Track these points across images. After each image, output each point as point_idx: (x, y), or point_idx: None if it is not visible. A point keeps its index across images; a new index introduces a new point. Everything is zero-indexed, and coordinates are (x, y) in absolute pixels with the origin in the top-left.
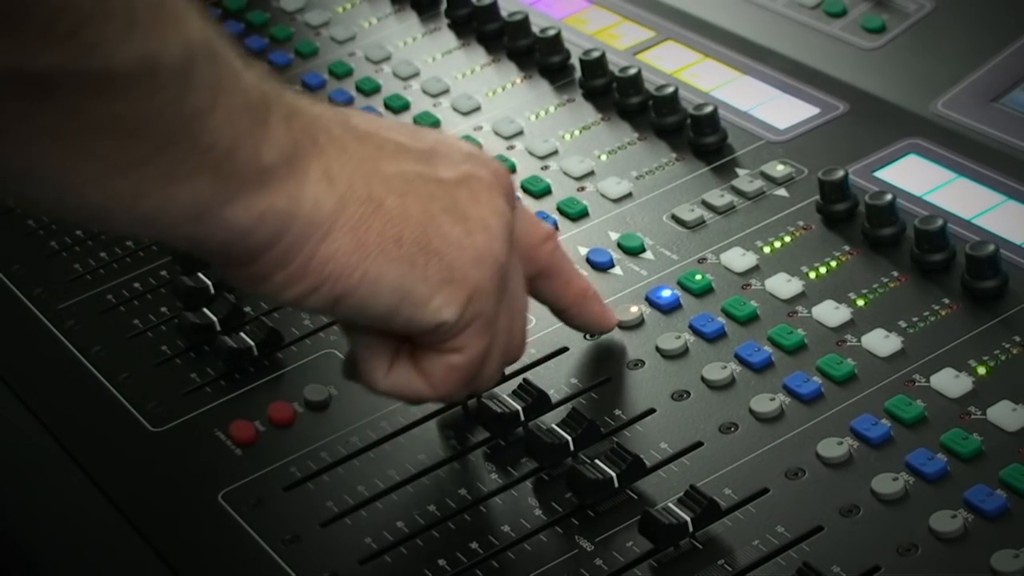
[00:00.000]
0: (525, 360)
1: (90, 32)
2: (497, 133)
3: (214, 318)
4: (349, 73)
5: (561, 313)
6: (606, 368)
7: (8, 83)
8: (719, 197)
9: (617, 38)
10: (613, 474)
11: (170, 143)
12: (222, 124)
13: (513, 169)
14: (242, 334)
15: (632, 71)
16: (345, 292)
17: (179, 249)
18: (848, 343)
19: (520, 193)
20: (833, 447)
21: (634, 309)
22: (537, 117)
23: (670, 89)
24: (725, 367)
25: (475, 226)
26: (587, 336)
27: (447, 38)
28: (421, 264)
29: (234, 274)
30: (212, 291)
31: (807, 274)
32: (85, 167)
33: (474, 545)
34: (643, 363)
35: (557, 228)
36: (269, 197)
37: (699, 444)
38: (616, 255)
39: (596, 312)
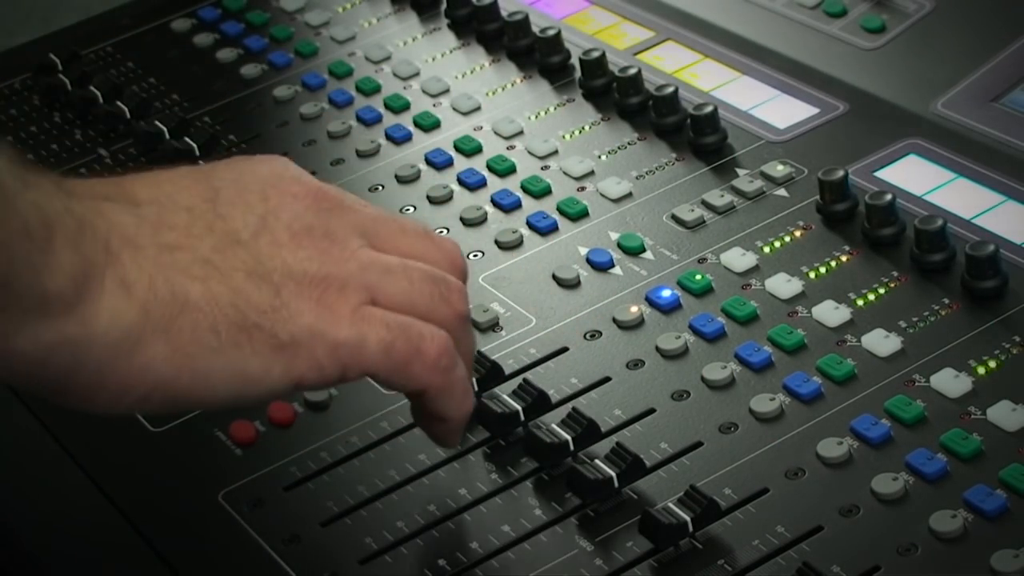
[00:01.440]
0: (525, 360)
1: None
2: (497, 133)
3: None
4: (349, 73)
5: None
6: (606, 368)
7: None
8: (719, 197)
9: (617, 38)
10: (613, 474)
11: None
12: (2, 251)
13: (513, 169)
14: None
15: (632, 71)
16: (178, 394)
17: None
18: (848, 343)
19: (520, 193)
20: (833, 447)
21: (634, 309)
22: (537, 117)
23: (670, 89)
24: (725, 367)
25: (281, 280)
26: (641, 364)
27: (447, 38)
28: (246, 343)
29: (58, 401)
30: None
31: (807, 274)
32: None
33: (474, 545)
34: (643, 363)
35: (557, 227)
36: (57, 324)
37: (699, 444)
38: (616, 255)
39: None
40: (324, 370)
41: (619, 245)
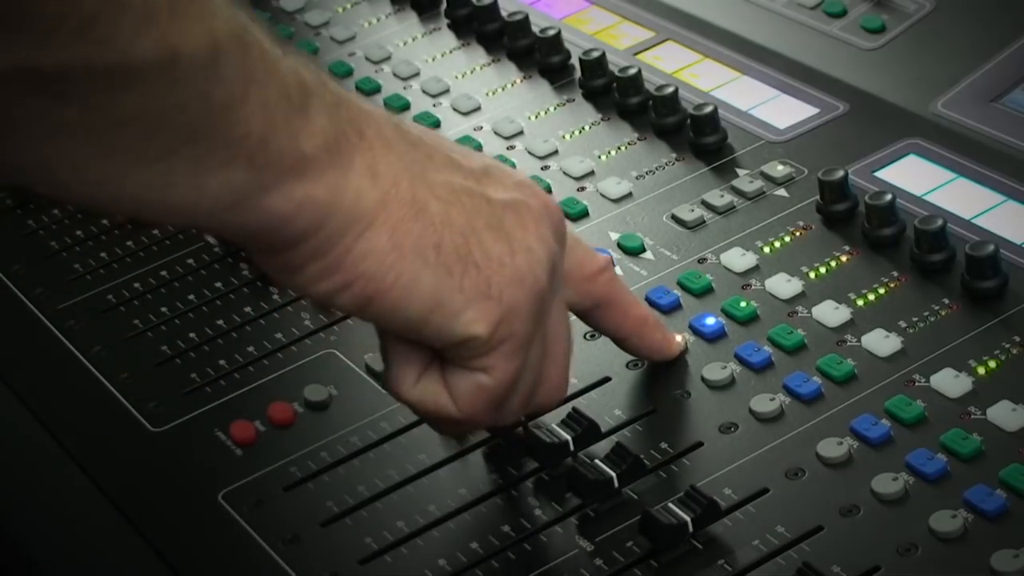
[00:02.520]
0: None
1: (102, 26)
2: (497, 133)
3: None
4: (349, 73)
5: (622, 343)
6: (606, 368)
7: (21, 81)
8: (719, 197)
9: (617, 38)
10: (613, 474)
11: (198, 135)
12: (255, 114)
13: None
14: None
15: (632, 71)
16: (377, 293)
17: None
18: (848, 343)
19: None
20: (833, 447)
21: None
22: (537, 117)
23: (670, 89)
24: (725, 367)
25: (519, 247)
26: (641, 364)
27: (447, 38)
28: (458, 274)
29: (268, 262)
30: None
31: (807, 274)
32: (109, 161)
33: (474, 545)
34: (643, 363)
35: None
36: (308, 186)
37: (699, 444)
38: (616, 255)
39: (658, 340)
40: (489, 341)
41: (619, 245)
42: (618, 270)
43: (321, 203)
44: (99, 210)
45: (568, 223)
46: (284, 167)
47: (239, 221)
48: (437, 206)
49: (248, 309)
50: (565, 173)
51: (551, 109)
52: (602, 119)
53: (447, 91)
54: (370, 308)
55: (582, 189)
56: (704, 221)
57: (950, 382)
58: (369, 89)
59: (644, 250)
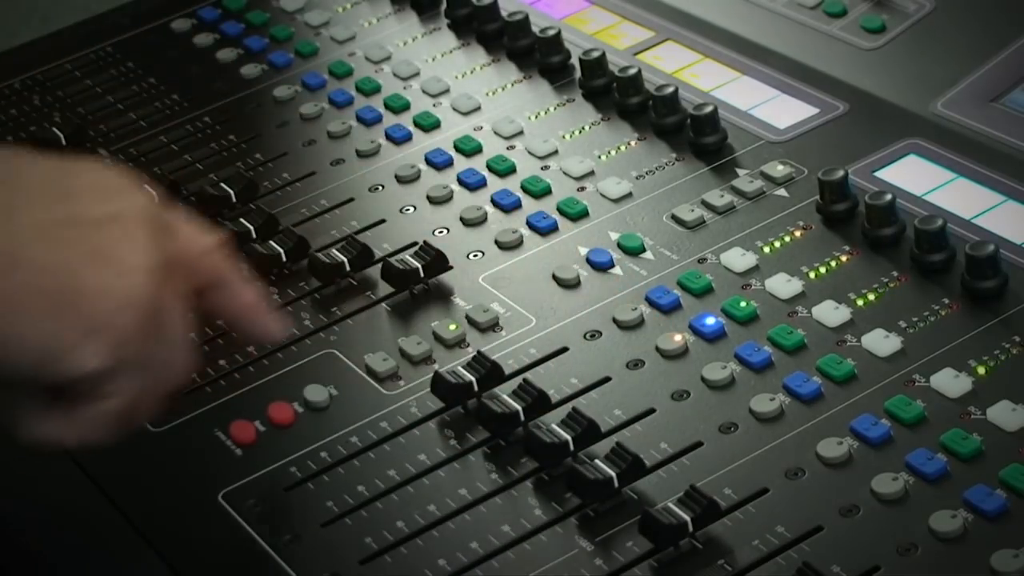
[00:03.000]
0: (525, 360)
1: None
2: (497, 133)
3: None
4: (349, 73)
5: (232, 326)
6: (606, 368)
7: None
8: (719, 197)
9: (617, 38)
10: (613, 474)
11: None
12: None
13: (513, 169)
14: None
15: (632, 71)
16: None
17: None
18: (848, 343)
19: (520, 193)
20: (833, 447)
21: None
22: (537, 117)
23: (670, 89)
24: (725, 367)
25: (120, 269)
26: (641, 364)
27: (447, 38)
28: (62, 315)
29: None
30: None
31: (807, 274)
32: None
33: (474, 545)
34: (643, 363)
35: (557, 227)
36: None
37: (699, 444)
38: (616, 255)
39: (262, 325)
40: (109, 369)
41: (619, 245)
42: (618, 270)
43: None
44: None
45: (170, 213)
46: None
47: None
48: (30, 252)
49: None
50: (565, 173)
51: (551, 109)
52: (602, 119)
53: (447, 91)
54: None
55: (582, 189)
56: (704, 221)
57: (950, 382)
58: (369, 89)
59: (644, 250)
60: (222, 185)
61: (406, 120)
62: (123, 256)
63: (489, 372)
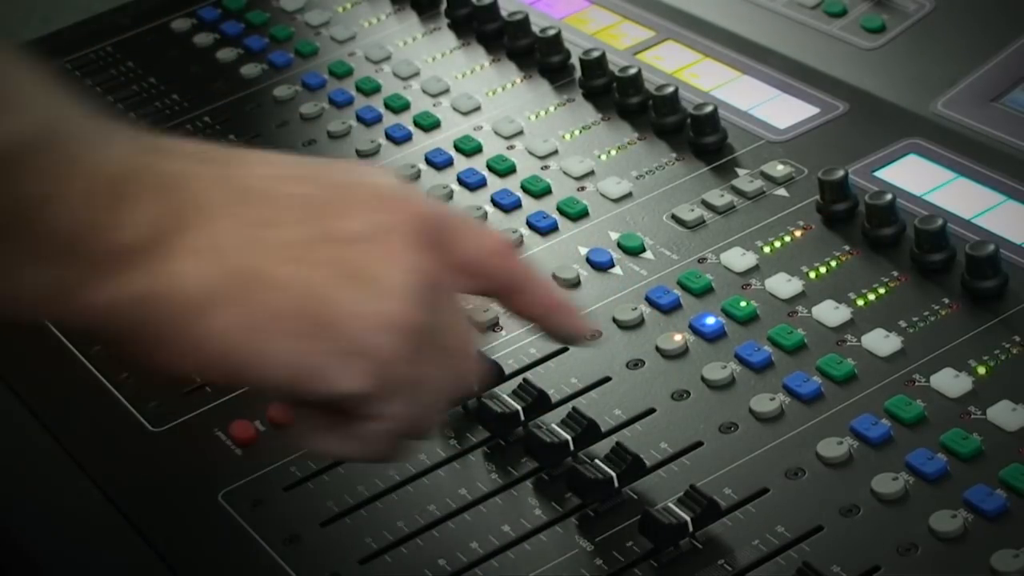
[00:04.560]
0: (525, 360)
1: None
2: (497, 133)
3: None
4: (349, 73)
5: (538, 327)
6: (606, 368)
7: None
8: (719, 197)
9: (617, 38)
10: (613, 474)
11: (7, 231)
12: (64, 210)
13: (513, 169)
14: None
15: (632, 71)
16: (236, 369)
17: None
18: (848, 343)
19: (520, 193)
20: (833, 447)
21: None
22: (537, 117)
23: (670, 89)
24: (725, 367)
25: (380, 290)
26: (641, 364)
27: (447, 38)
28: (317, 337)
29: (117, 353)
30: None
31: (807, 274)
32: None
33: (474, 545)
34: (643, 363)
35: (557, 227)
36: (128, 279)
37: (699, 444)
38: (616, 255)
39: (565, 324)
40: (365, 391)
41: (619, 245)
42: (618, 270)
43: (143, 296)
44: None
45: (451, 214)
46: (99, 262)
47: (65, 316)
48: (283, 270)
49: None
50: (565, 173)
51: (551, 109)
52: (602, 119)
53: (447, 91)
54: (236, 382)
55: (582, 189)
56: (704, 221)
57: (950, 382)
58: (369, 89)
59: (644, 250)
60: None
61: (406, 120)
62: (381, 277)
63: (489, 372)
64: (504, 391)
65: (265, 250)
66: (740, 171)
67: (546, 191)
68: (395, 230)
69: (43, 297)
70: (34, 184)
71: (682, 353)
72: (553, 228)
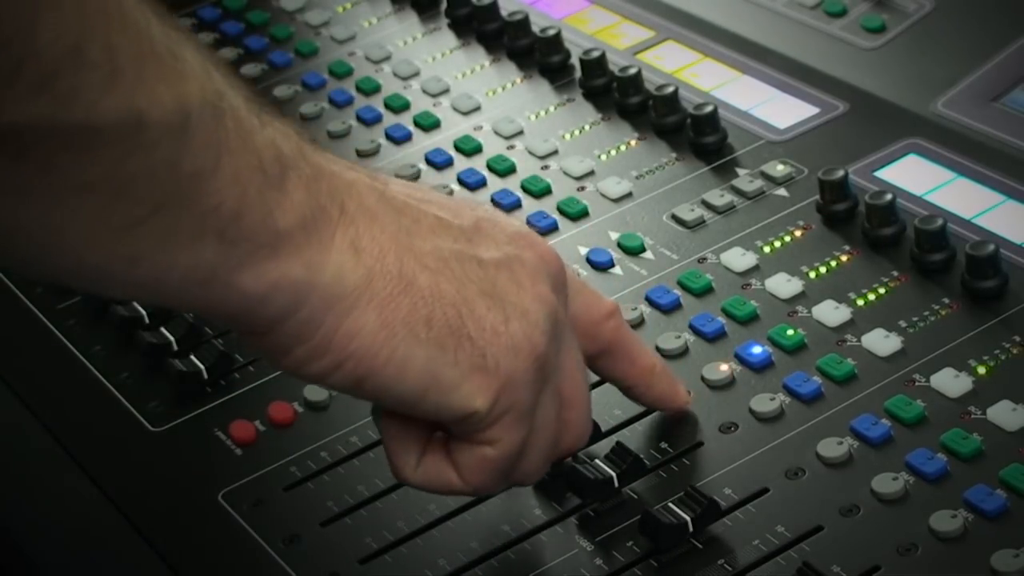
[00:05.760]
0: None
1: (63, 82)
2: (497, 133)
3: (171, 338)
4: (349, 73)
5: (628, 391)
6: None
7: None
8: (719, 197)
9: (617, 38)
10: (613, 474)
11: (167, 204)
12: (226, 186)
13: (513, 169)
14: (193, 357)
15: (632, 71)
16: (370, 372)
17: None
18: (848, 343)
19: (520, 193)
20: (833, 447)
21: (724, 367)
22: (537, 117)
23: (670, 89)
24: (725, 367)
25: (513, 312)
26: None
27: (447, 38)
28: (452, 348)
29: (253, 343)
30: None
31: (807, 274)
32: (70, 228)
33: (474, 545)
34: None
35: (557, 227)
36: (283, 264)
37: (699, 444)
38: (616, 255)
39: (664, 390)
40: (491, 414)
41: (619, 245)
42: (618, 270)
43: (297, 283)
44: (58, 282)
45: (570, 271)
46: (257, 244)
47: (211, 300)
48: (425, 278)
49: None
50: (565, 173)
51: (551, 109)
52: (602, 119)
53: (447, 91)
54: (364, 387)
55: (582, 189)
56: (704, 221)
57: (950, 382)
58: (369, 89)
59: (644, 250)
60: None
61: (406, 120)
62: (517, 301)
63: None
64: None
65: (417, 258)
66: (740, 171)
67: (546, 191)
68: (528, 263)
69: (192, 280)
70: (198, 156)
71: (682, 353)
72: (553, 228)
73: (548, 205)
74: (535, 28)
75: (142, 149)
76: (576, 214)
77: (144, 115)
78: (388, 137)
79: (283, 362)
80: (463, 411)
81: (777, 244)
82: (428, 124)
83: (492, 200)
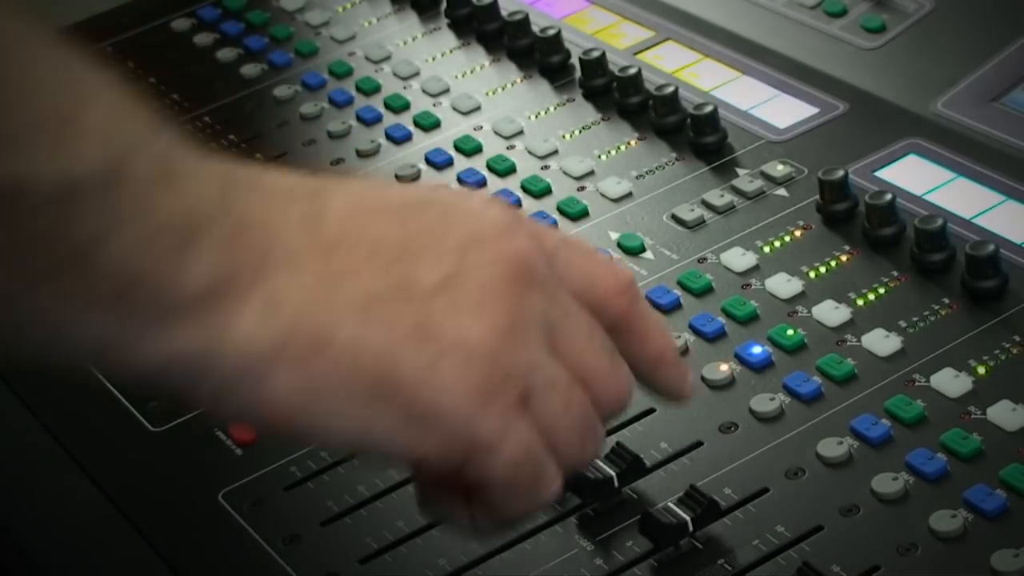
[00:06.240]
0: None
1: None
2: (497, 133)
3: None
4: (349, 73)
5: (636, 376)
6: None
7: None
8: (719, 197)
9: (617, 38)
10: (613, 474)
11: (58, 271)
12: (125, 252)
13: (513, 169)
14: None
15: (632, 71)
16: (297, 431)
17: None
18: (848, 343)
19: (520, 193)
20: (833, 447)
21: (724, 367)
22: (537, 117)
23: (670, 89)
24: (725, 367)
25: (439, 348)
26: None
27: (447, 38)
28: (377, 402)
29: (178, 405)
30: None
31: (807, 274)
32: None
33: (474, 545)
34: None
35: (557, 227)
36: (187, 333)
37: (699, 444)
38: (616, 255)
39: (669, 381)
40: (447, 457)
41: (619, 245)
42: None
43: (202, 353)
44: None
45: (577, 242)
46: (157, 311)
47: (119, 370)
48: (348, 330)
49: None
50: (565, 173)
51: (551, 109)
52: (602, 119)
53: (447, 91)
54: (301, 439)
55: (582, 189)
56: (704, 221)
57: (950, 382)
58: (369, 89)
59: (644, 250)
60: None
61: (406, 120)
62: (447, 332)
63: None
64: None
65: (335, 307)
66: (740, 171)
67: (546, 191)
68: (475, 278)
69: (98, 348)
70: (92, 222)
71: (682, 353)
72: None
73: (548, 205)
74: (535, 28)
75: (24, 216)
76: (576, 214)
77: (22, 184)
78: (388, 137)
79: (218, 419)
80: (410, 459)
81: (777, 244)
82: (428, 124)
83: None
